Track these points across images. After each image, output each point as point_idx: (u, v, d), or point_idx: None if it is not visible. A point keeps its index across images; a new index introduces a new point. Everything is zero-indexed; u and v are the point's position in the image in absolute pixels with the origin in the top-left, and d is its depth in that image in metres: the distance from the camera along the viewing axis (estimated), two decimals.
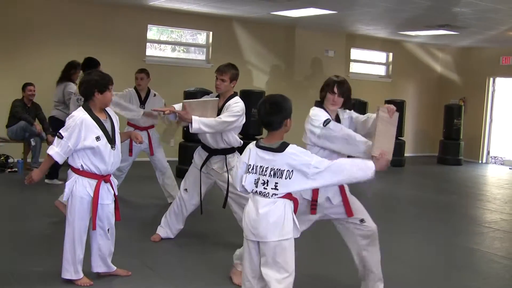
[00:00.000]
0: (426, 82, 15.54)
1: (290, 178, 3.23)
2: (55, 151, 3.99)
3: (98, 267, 4.38)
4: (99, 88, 4.08)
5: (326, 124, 3.89)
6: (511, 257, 5.81)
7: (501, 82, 14.80)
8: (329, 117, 3.98)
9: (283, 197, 3.28)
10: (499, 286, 4.93)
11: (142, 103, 7.12)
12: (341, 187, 4.08)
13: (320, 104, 4.10)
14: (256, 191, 3.32)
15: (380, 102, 12.80)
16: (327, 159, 4.00)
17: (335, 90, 4.02)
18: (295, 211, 3.36)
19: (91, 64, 6.51)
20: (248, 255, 3.41)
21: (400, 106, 12.86)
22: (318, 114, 3.97)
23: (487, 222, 7.43)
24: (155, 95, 7.25)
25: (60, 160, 4.04)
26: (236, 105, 5.02)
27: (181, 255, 5.24)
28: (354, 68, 14.45)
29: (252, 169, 3.33)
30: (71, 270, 4.18)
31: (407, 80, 15.15)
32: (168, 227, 5.58)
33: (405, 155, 13.20)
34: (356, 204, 4.20)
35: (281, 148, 3.26)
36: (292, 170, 3.23)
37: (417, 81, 15.38)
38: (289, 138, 3.36)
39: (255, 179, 3.32)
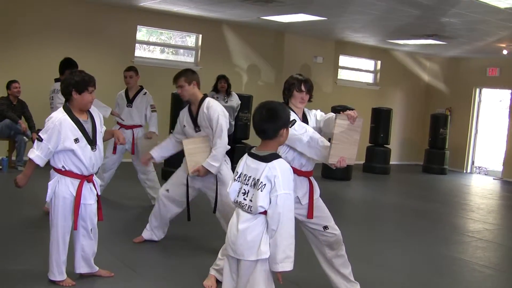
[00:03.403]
0: (413, 90, 15.63)
1: (261, 191, 3.00)
2: (36, 154, 3.95)
3: (81, 267, 4.35)
4: (77, 88, 4.02)
5: (292, 125, 3.91)
6: (493, 267, 5.85)
7: (487, 93, 14.93)
8: (295, 118, 4.02)
9: (263, 213, 3.05)
10: None
11: (130, 101, 7.09)
12: (310, 189, 4.14)
13: (286, 105, 4.15)
14: (237, 201, 3.14)
15: (368, 110, 12.92)
16: (296, 159, 4.06)
17: (303, 88, 4.12)
18: None
19: (68, 65, 6.40)
20: (228, 271, 3.26)
21: (387, 114, 12.95)
22: None
23: (470, 232, 7.47)
24: (145, 93, 7.23)
25: (41, 163, 4.00)
26: (218, 118, 4.93)
27: (164, 257, 5.21)
28: (342, 75, 14.51)
29: (239, 177, 3.15)
30: (55, 272, 4.15)
31: (395, 88, 15.23)
32: (151, 229, 5.54)
33: (391, 163, 13.28)
34: (322, 211, 4.25)
35: (268, 158, 3.04)
36: (265, 184, 2.99)
37: (405, 89, 15.47)
38: None
39: (239, 188, 3.13)
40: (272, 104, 3.15)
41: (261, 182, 3.00)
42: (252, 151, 3.15)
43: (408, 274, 5.37)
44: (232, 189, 3.17)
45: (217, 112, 4.94)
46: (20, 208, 6.46)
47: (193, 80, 5.06)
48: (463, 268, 5.79)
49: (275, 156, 3.06)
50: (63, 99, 5.49)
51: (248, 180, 3.08)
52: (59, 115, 4.03)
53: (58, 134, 3.96)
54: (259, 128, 3.11)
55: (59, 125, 3.97)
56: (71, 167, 4.05)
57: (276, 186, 2.97)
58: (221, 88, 9.49)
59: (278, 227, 2.99)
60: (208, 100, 5.06)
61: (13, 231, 5.65)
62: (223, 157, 4.97)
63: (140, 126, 7.16)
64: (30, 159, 3.99)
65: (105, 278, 4.45)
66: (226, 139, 4.95)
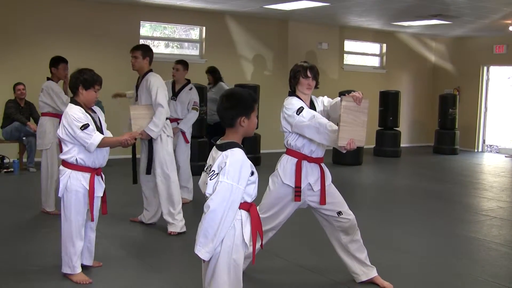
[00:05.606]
0: (420, 72, 15.55)
1: (210, 179, 2.84)
2: (96, 133, 4.11)
3: (85, 259, 4.46)
4: (84, 84, 4.19)
5: (299, 113, 3.96)
6: (509, 245, 5.83)
7: (495, 71, 14.83)
8: (302, 105, 4.05)
9: None
10: (497, 273, 4.94)
11: (175, 95, 7.08)
12: (322, 176, 4.15)
13: (293, 93, 4.18)
14: (204, 193, 2.91)
15: (375, 94, 12.87)
16: (306, 146, 4.07)
17: (309, 74, 4.13)
18: (253, 222, 2.94)
19: (57, 61, 6.64)
20: (203, 266, 3.03)
21: (395, 97, 12.90)
22: (292, 103, 4.05)
23: (484, 210, 7.44)
24: (191, 89, 7.20)
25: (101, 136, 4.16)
26: (157, 90, 5.45)
27: (175, 245, 5.25)
28: (348, 60, 14.45)
29: (207, 168, 2.96)
30: (71, 265, 4.23)
31: (402, 70, 15.16)
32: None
33: (401, 145, 13.24)
34: (336, 197, 4.25)
35: (223, 147, 2.88)
36: (218, 173, 2.83)
37: (411, 71, 15.39)
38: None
39: (205, 180, 2.93)
40: (233, 91, 3.03)
41: (213, 170, 2.86)
42: (217, 141, 2.99)
43: (423, 256, 5.36)
44: (200, 181, 3.02)
45: (156, 85, 5.46)
46: (32, 208, 6.50)
47: (146, 56, 5.62)
48: (479, 247, 5.77)
49: (232, 145, 2.89)
50: (45, 99, 5.83)
51: (210, 170, 2.91)
52: (75, 107, 4.16)
53: (87, 118, 4.14)
54: (219, 115, 2.98)
55: (84, 113, 4.13)
56: (85, 160, 4.14)
57: (221, 173, 2.81)
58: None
59: (207, 212, 2.79)
60: (150, 73, 5.59)
61: (27, 231, 5.71)
62: (162, 124, 5.48)
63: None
64: (100, 142, 4.11)
65: (116, 270, 4.55)
66: (165, 109, 5.47)
